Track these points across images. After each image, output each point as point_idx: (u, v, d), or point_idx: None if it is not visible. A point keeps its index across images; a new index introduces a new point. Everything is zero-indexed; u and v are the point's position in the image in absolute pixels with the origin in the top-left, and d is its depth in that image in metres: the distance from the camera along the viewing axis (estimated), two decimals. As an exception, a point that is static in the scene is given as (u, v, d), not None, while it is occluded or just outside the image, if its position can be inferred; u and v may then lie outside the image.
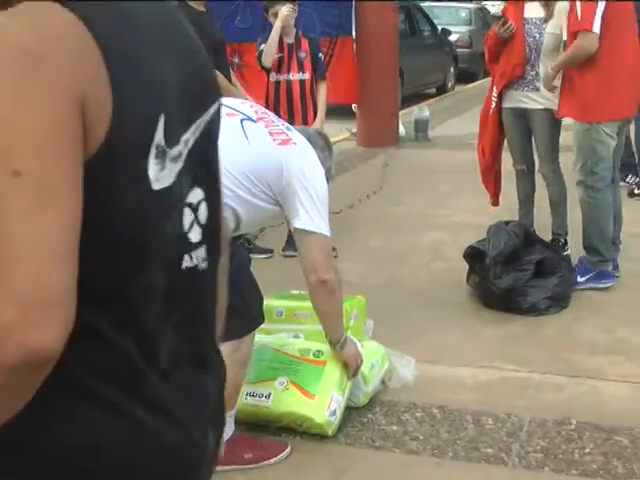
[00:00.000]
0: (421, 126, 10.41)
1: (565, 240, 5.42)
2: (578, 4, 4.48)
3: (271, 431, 3.42)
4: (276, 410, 3.37)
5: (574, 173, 4.89)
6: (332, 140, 10.31)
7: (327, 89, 5.82)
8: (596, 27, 4.43)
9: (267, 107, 5.58)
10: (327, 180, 3.22)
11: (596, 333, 4.33)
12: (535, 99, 5.28)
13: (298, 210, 3.01)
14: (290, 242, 5.89)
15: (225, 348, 2.91)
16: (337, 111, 11.23)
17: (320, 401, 3.30)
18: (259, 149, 3.01)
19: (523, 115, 5.34)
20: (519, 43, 5.20)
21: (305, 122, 5.58)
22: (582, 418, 3.44)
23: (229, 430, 3.14)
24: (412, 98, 13.74)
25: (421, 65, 14.26)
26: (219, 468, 3.05)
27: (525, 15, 5.19)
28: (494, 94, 5.36)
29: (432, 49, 15.41)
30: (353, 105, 10.32)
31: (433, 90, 15.95)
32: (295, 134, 3.16)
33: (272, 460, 3.20)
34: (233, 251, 2.96)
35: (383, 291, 5.03)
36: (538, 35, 5.14)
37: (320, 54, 5.73)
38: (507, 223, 4.87)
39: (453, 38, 16.83)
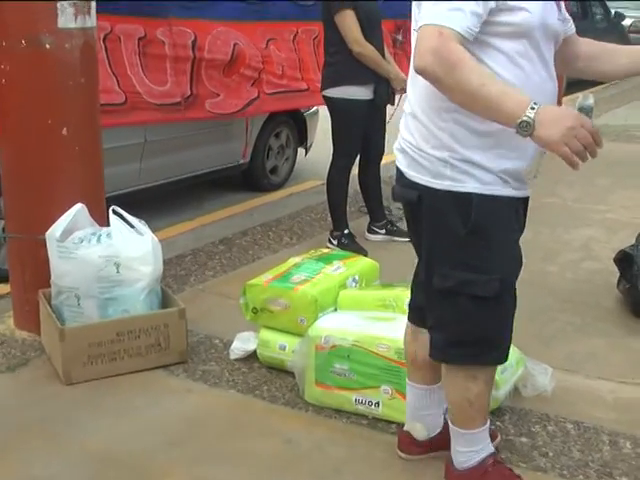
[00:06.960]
0: (584, 114, 9.92)
1: None
2: None
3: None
4: (387, 418, 3.28)
5: None
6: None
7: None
8: None
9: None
10: None
11: None
12: None
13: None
14: None
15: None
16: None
17: None
18: None
19: None
20: None
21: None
22: None
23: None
24: (578, 84, 13.21)
25: (591, 50, 13.70)
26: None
27: None
28: None
29: (603, 33, 14.68)
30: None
31: (601, 76, 15.30)
32: None
33: None
34: None
35: (526, 288, 4.67)
36: None
37: None
38: (662, 229, 4.48)
39: (627, 23, 16.11)
